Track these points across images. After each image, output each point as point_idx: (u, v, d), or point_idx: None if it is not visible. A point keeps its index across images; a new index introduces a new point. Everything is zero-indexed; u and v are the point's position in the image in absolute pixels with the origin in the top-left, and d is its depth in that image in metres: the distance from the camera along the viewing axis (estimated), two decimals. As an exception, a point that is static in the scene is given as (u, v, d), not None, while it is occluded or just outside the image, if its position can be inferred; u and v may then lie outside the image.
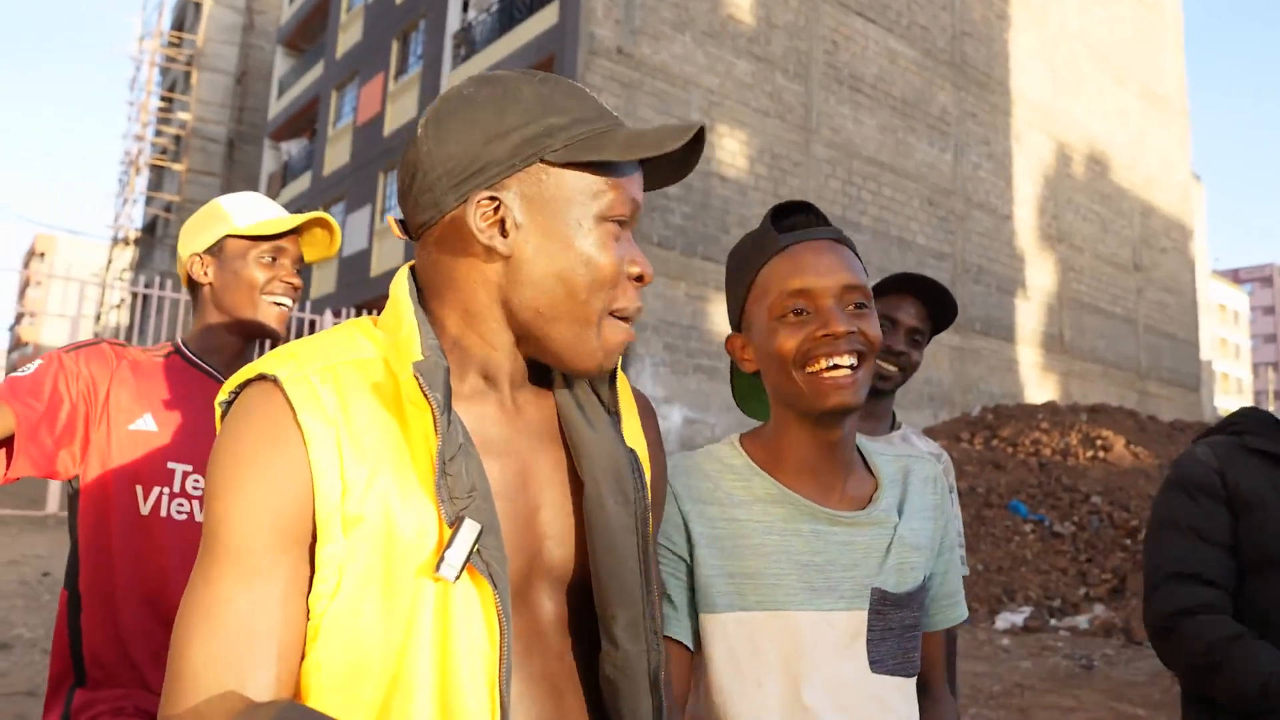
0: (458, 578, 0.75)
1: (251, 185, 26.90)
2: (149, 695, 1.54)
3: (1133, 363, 21.84)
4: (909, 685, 1.18)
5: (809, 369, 1.11)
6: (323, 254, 1.75)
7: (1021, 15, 19.97)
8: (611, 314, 0.85)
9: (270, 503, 0.76)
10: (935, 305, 1.94)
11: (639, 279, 0.86)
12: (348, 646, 0.76)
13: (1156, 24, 24.36)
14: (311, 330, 11.31)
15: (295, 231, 1.70)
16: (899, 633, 1.17)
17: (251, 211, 1.68)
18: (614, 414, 0.92)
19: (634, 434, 0.97)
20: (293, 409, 0.77)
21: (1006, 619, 7.76)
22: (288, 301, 1.68)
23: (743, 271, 1.20)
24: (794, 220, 1.18)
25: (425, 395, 0.78)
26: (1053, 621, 7.71)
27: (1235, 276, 74.89)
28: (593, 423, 0.90)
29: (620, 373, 1.00)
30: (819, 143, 15.67)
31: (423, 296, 0.87)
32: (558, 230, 0.82)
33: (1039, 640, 7.11)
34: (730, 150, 14.44)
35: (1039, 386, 19.11)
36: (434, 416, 0.78)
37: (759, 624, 1.12)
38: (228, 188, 27.13)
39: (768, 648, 1.12)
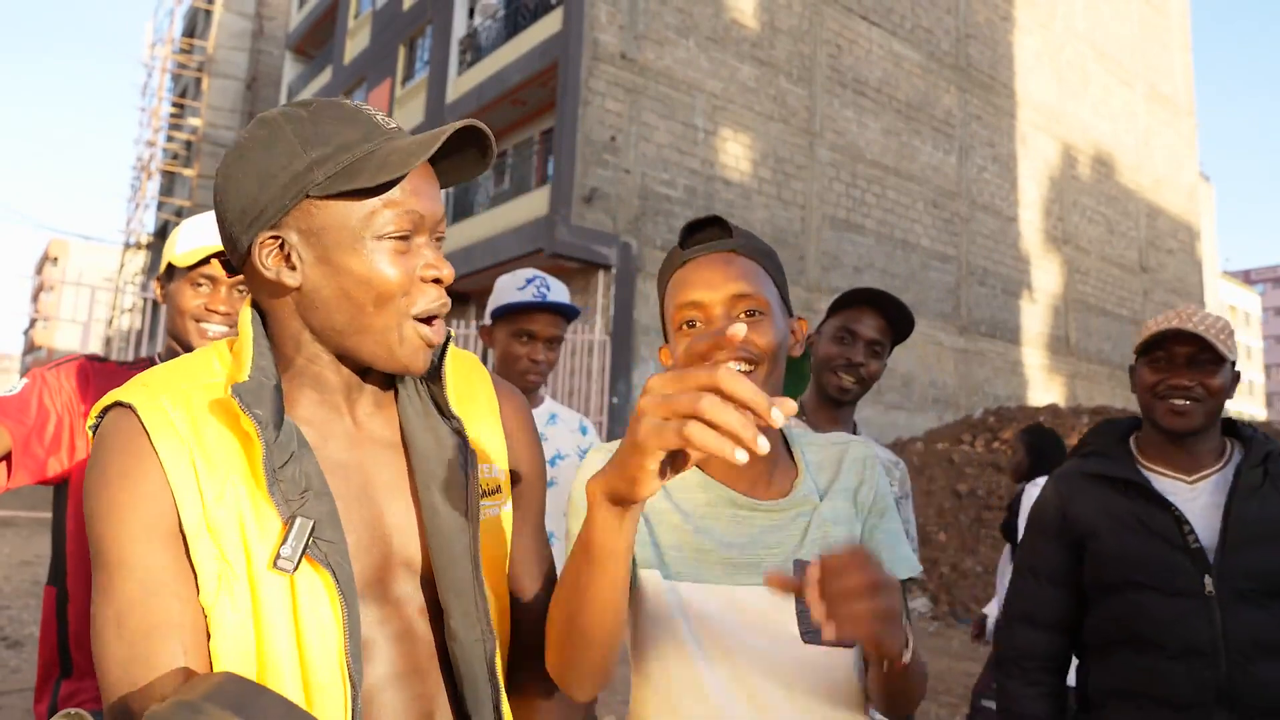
0: (296, 569, 0.85)
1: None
2: None
3: (1139, 364, 21.80)
4: (848, 655, 1.22)
5: None
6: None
7: (1026, 17, 19.99)
8: (414, 317, 0.92)
9: (138, 513, 0.85)
10: (893, 317, 2.04)
11: (436, 281, 0.92)
12: (229, 636, 0.85)
13: (1163, 24, 24.32)
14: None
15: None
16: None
17: (190, 238, 1.76)
18: (449, 417, 0.99)
19: (488, 430, 1.05)
20: (148, 433, 0.86)
21: (1004, 619, 7.82)
22: (219, 328, 1.76)
23: (660, 287, 1.27)
24: (701, 235, 1.23)
25: (250, 414, 0.86)
26: (1050, 622, 7.77)
27: (1246, 277, 74.44)
28: (429, 429, 0.98)
29: (483, 370, 1.09)
30: (823, 146, 15.74)
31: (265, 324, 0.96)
32: (335, 257, 0.89)
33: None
34: (734, 154, 14.52)
35: (1044, 389, 19.12)
36: (260, 432, 0.86)
37: (684, 593, 1.17)
38: (238, 192, 27.30)
39: (691, 614, 1.16)
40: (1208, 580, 1.69)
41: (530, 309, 2.29)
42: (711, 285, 1.17)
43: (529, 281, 2.31)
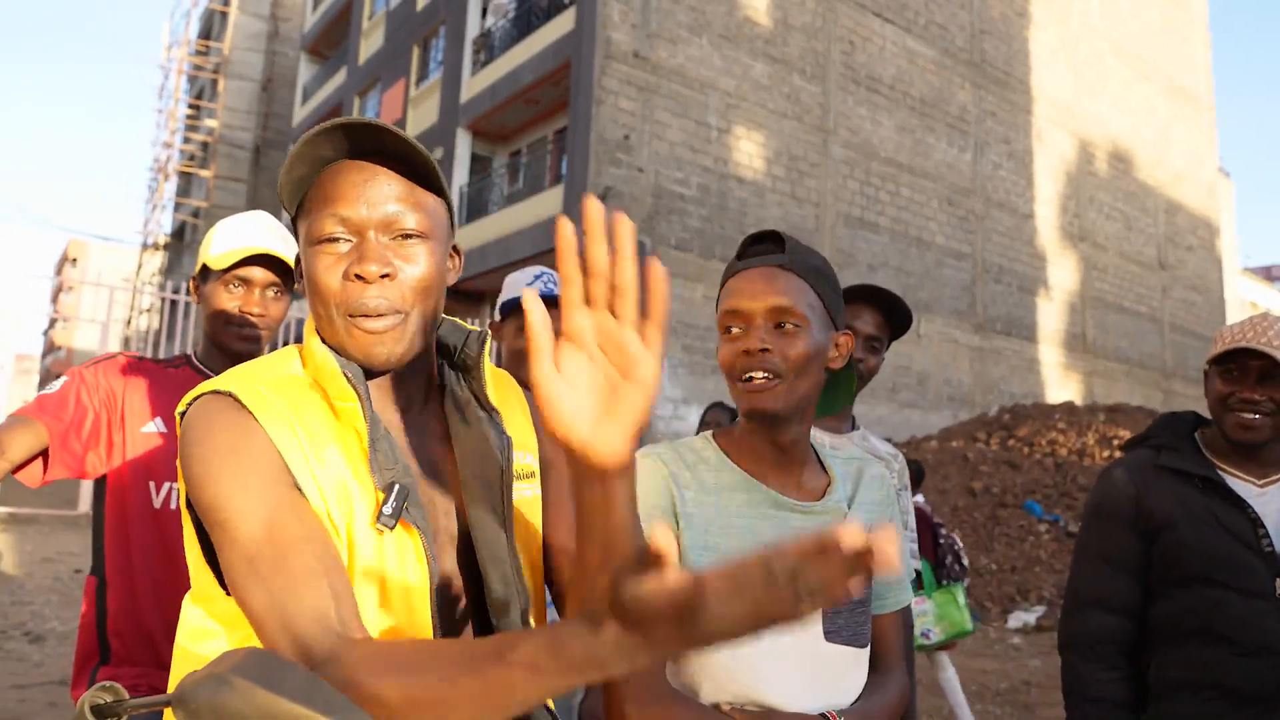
0: (393, 528, 0.94)
1: (277, 191, 27.25)
2: (163, 674, 1.69)
3: (1158, 362, 21.68)
4: (862, 655, 1.32)
5: (739, 381, 1.27)
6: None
7: (1042, 12, 19.88)
8: (348, 317, 0.96)
9: (252, 467, 0.90)
10: (891, 313, 2.06)
11: (359, 278, 0.95)
12: None
13: (1182, 17, 24.14)
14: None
15: (263, 261, 1.81)
16: (851, 607, 1.31)
17: (225, 240, 1.81)
18: (489, 410, 1.08)
19: (521, 425, 1.15)
20: (251, 413, 0.93)
21: (1019, 618, 7.80)
22: (248, 329, 1.81)
23: (719, 292, 1.37)
24: (759, 248, 1.32)
25: (354, 388, 0.95)
26: (1065, 620, 7.74)
27: (1267, 274, 73.67)
28: (466, 420, 1.07)
29: (514, 381, 1.19)
30: (836, 143, 15.71)
31: None
32: (303, 266, 1.01)
33: (1050, 639, 7.14)
34: (747, 152, 14.51)
35: (1061, 386, 19.02)
36: (361, 405, 0.96)
37: None
38: (254, 193, 27.51)
39: None
40: (1278, 583, 1.73)
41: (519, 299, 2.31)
42: (753, 296, 1.27)
43: (536, 277, 2.34)
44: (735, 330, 1.28)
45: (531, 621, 1.05)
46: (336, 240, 0.96)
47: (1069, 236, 19.85)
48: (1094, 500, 1.98)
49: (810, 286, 1.30)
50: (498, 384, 1.15)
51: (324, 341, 1.00)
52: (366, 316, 0.95)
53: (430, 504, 1.04)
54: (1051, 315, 19.17)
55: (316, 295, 0.97)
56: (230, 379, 0.97)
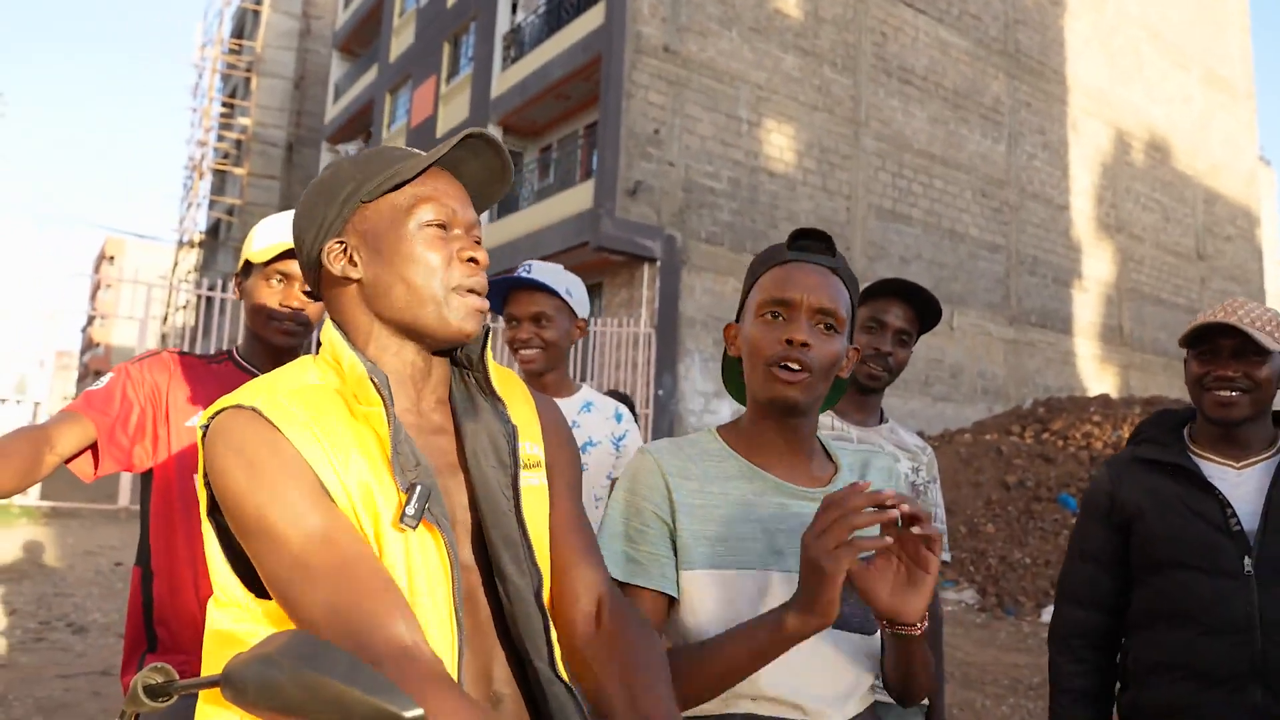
0: (415, 528, 0.98)
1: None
2: None
3: (1196, 354, 21.32)
4: (870, 643, 1.33)
5: (769, 365, 1.28)
6: None
7: (1077, 1, 19.60)
8: (454, 290, 1.08)
9: (290, 478, 0.95)
10: (921, 307, 2.07)
11: (472, 260, 1.10)
12: None
13: (1219, 4, 23.70)
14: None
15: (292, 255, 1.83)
16: (858, 595, 1.30)
17: (265, 236, 1.85)
18: (493, 397, 1.16)
19: (526, 417, 1.22)
20: (275, 426, 0.97)
21: (1054, 613, 7.73)
22: (289, 323, 1.85)
23: (752, 272, 1.39)
24: (808, 244, 1.35)
25: (380, 393, 1.01)
26: (1102, 615, 7.66)
27: (1309, 264, 72.19)
28: (474, 413, 1.15)
29: (518, 379, 1.25)
30: (868, 135, 15.60)
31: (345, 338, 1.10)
32: (388, 246, 1.08)
33: (1086, 634, 7.07)
34: (778, 145, 14.45)
35: (1097, 379, 18.78)
36: (386, 409, 1.01)
37: (730, 580, 1.27)
38: (287, 191, 27.81)
39: (737, 599, 1.26)
40: (1247, 561, 1.76)
41: (505, 292, 2.28)
42: (806, 290, 1.29)
43: (517, 271, 2.30)
44: (779, 317, 1.29)
45: (546, 600, 1.10)
46: (443, 227, 1.09)
47: (1105, 227, 19.58)
48: (1081, 499, 2.02)
49: (850, 297, 1.33)
50: (504, 383, 1.20)
51: (385, 319, 1.08)
52: (476, 294, 1.10)
53: (447, 498, 1.08)
54: (1087, 307, 18.93)
55: (420, 267, 1.06)
56: (250, 392, 1.01)
